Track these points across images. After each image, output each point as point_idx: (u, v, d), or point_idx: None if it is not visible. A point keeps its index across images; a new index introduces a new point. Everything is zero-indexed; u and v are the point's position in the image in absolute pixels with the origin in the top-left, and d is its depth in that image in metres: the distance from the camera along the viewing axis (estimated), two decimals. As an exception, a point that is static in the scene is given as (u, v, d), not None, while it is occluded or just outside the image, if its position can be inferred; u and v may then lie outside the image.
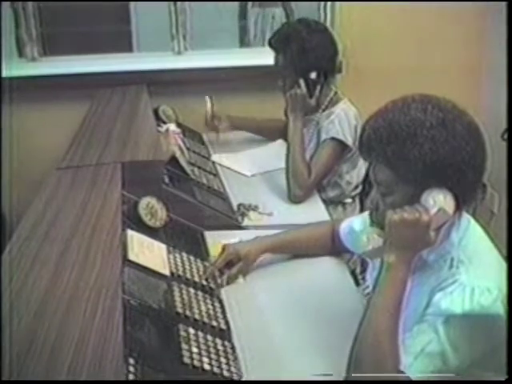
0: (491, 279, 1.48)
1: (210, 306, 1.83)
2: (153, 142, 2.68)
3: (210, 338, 1.68)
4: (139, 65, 3.73)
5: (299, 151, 2.73)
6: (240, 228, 2.46)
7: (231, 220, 2.49)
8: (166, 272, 1.86)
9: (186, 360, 1.54)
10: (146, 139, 2.73)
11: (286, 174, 2.72)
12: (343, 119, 2.79)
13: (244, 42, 4.57)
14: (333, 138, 2.76)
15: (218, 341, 1.69)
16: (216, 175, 2.91)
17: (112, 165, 2.41)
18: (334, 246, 2.13)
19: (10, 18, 3.64)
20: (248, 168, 3.00)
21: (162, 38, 3.89)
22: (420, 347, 1.47)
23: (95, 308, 1.56)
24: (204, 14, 4.19)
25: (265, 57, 2.89)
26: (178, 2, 3.72)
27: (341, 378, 1.55)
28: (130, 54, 4.23)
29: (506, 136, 3.19)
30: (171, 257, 1.97)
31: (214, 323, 1.76)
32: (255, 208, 2.58)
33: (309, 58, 2.75)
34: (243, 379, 1.60)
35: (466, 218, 1.60)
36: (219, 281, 1.97)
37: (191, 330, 1.66)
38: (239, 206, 2.59)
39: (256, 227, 2.48)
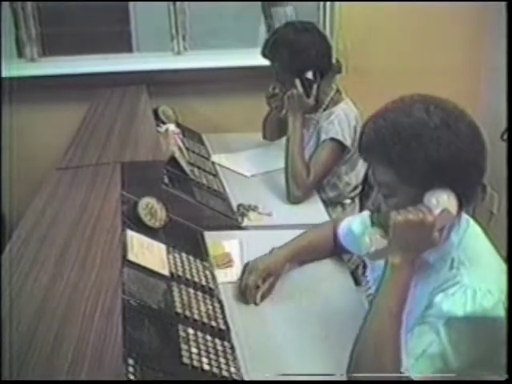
0: (492, 281, 1.48)
1: (210, 307, 1.83)
2: (152, 142, 2.68)
3: (209, 338, 1.68)
4: (139, 65, 3.74)
5: (298, 152, 2.73)
6: (239, 228, 2.47)
7: (231, 220, 2.49)
8: (166, 272, 1.86)
9: (186, 360, 1.54)
10: (146, 139, 2.73)
11: (286, 174, 2.72)
12: (343, 120, 2.79)
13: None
14: (332, 139, 2.77)
15: (218, 341, 1.69)
16: (215, 175, 2.92)
17: (111, 165, 2.41)
18: (335, 247, 2.13)
19: (9, 18, 3.64)
20: (247, 168, 3.01)
21: (162, 39, 3.89)
22: (421, 349, 1.47)
23: (95, 308, 1.56)
24: (204, 14, 4.18)
25: (261, 58, 2.88)
26: (178, 2, 3.72)
27: (341, 379, 1.55)
28: (129, 55, 4.24)
29: (505, 136, 3.19)
30: (171, 257, 1.97)
31: (214, 323, 1.76)
32: (255, 208, 2.59)
33: (301, 58, 2.76)
34: (243, 379, 1.60)
35: (465, 218, 1.60)
36: (255, 298, 1.95)
37: (191, 331, 1.66)
38: (239, 206, 2.60)
39: (255, 227, 2.48)
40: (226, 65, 3.68)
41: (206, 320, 1.75)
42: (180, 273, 1.92)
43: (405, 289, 1.50)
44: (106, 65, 3.71)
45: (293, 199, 2.70)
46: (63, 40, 4.21)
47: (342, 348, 1.58)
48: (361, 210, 2.95)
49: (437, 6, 3.55)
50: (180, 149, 2.75)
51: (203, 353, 1.60)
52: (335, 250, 2.13)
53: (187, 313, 1.73)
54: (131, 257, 1.81)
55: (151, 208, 2.08)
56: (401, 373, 1.46)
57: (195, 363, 1.55)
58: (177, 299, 1.77)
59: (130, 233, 1.93)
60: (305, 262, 2.12)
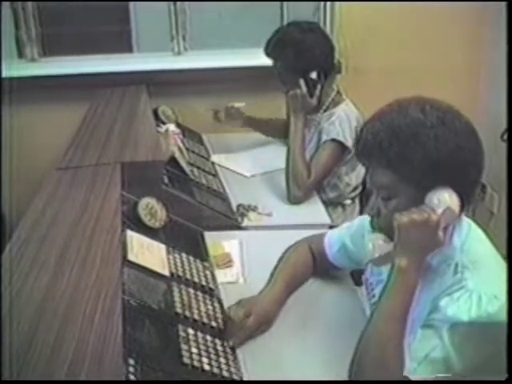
0: (497, 285, 1.47)
1: (210, 307, 1.83)
2: (152, 142, 2.68)
3: (209, 338, 1.68)
4: (139, 65, 3.74)
5: (299, 152, 2.73)
6: (239, 228, 2.47)
7: (231, 220, 2.50)
8: (166, 272, 1.87)
9: (186, 360, 1.54)
10: (146, 140, 2.73)
11: (286, 174, 2.72)
12: (344, 120, 2.79)
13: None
14: (333, 140, 2.76)
15: (218, 341, 1.69)
16: (215, 176, 2.92)
17: (111, 165, 2.41)
18: (315, 268, 2.06)
19: (9, 18, 3.64)
20: (247, 168, 3.01)
21: (162, 39, 3.89)
22: (424, 353, 1.47)
23: (95, 308, 1.56)
24: (204, 14, 4.18)
25: (265, 57, 2.88)
26: (178, 2, 3.72)
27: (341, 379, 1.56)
28: (129, 55, 4.24)
29: (505, 137, 3.20)
30: (171, 257, 1.97)
31: (214, 323, 1.76)
32: (255, 208, 2.59)
33: (306, 58, 2.75)
34: (242, 379, 1.60)
35: (467, 222, 1.60)
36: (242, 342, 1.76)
37: (191, 331, 1.66)
38: (239, 206, 2.60)
39: (255, 227, 2.48)
40: (227, 65, 3.69)
41: (206, 320, 1.76)
42: (180, 273, 1.92)
43: (411, 292, 1.49)
44: (106, 65, 3.71)
45: (293, 199, 2.70)
46: (63, 40, 4.21)
47: (342, 348, 1.58)
48: (361, 210, 2.96)
49: (436, 5, 3.55)
50: (180, 149, 2.75)
51: (203, 353, 1.61)
52: (316, 270, 2.06)
53: (187, 313, 1.73)
54: (131, 257, 1.81)
55: (151, 208, 2.09)
56: (404, 377, 1.45)
57: (195, 363, 1.55)
58: (177, 299, 1.77)
59: (129, 233, 1.93)
60: (295, 290, 2.00)
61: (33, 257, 1.81)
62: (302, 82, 2.77)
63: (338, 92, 2.92)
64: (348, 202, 3.00)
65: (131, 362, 1.40)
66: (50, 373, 1.36)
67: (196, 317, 1.74)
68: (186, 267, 1.98)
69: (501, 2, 3.28)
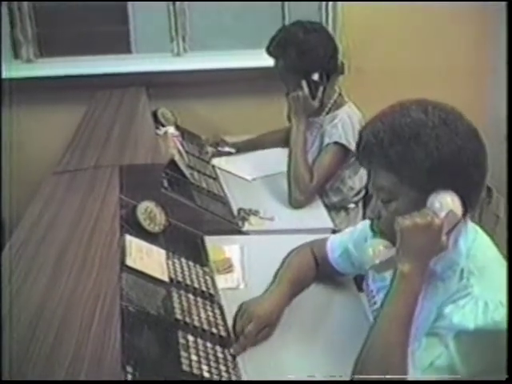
0: (504, 292, 1.46)
1: (210, 313, 1.83)
2: (151, 145, 2.69)
3: (209, 345, 1.68)
4: (138, 66, 3.75)
5: (301, 155, 2.73)
6: (240, 233, 2.47)
7: (231, 225, 2.50)
8: (165, 278, 1.87)
9: (185, 367, 1.54)
10: (145, 142, 2.73)
11: (288, 178, 2.72)
12: (347, 123, 2.79)
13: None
14: (336, 143, 2.76)
15: (218, 348, 1.69)
16: (216, 179, 2.92)
17: (110, 168, 2.42)
18: (318, 272, 2.05)
19: (4, 18, 3.64)
20: (248, 172, 3.01)
21: (161, 39, 3.89)
22: (429, 361, 1.47)
23: (93, 314, 1.56)
24: (204, 14, 4.18)
25: (266, 58, 2.87)
26: (177, 3, 3.73)
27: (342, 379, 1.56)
28: (128, 56, 4.25)
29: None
30: (170, 262, 1.97)
31: (214, 330, 1.76)
32: (256, 213, 2.59)
33: (309, 58, 2.75)
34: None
35: (473, 227, 1.60)
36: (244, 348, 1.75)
37: (190, 337, 1.66)
38: (239, 210, 2.60)
39: (257, 232, 2.49)
40: (227, 66, 3.69)
41: (206, 327, 1.75)
42: (180, 278, 1.92)
43: (414, 298, 1.48)
44: (104, 66, 3.72)
45: (295, 204, 2.70)
46: (60, 40, 4.20)
47: (343, 355, 1.58)
48: (364, 214, 2.96)
49: (439, 6, 3.56)
50: (179, 152, 2.75)
51: (203, 360, 1.61)
52: (319, 274, 2.05)
53: (187, 319, 1.73)
54: (130, 262, 1.81)
55: (150, 212, 2.09)
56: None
57: (195, 371, 1.55)
58: (176, 305, 1.77)
59: (128, 237, 1.93)
60: (296, 295, 1.98)
61: (30, 261, 1.82)
62: (304, 83, 2.77)
63: (340, 94, 2.92)
64: (351, 206, 3.00)
65: (129, 369, 1.40)
66: (47, 379, 1.37)
67: (196, 323, 1.74)
68: (186, 272, 1.98)
69: (501, 3, 3.28)
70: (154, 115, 3.16)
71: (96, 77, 3.63)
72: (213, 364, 1.62)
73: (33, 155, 3.57)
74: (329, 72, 2.81)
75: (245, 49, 3.89)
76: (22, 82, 3.55)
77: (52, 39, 4.00)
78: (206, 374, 1.56)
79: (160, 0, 3.77)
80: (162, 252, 2.00)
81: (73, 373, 1.37)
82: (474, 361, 1.46)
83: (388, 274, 1.61)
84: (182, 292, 1.85)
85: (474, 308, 1.44)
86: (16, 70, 3.63)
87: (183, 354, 1.58)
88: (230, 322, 1.82)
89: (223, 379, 1.59)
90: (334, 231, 2.47)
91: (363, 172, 2.88)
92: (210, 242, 2.28)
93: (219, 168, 3.07)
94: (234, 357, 1.69)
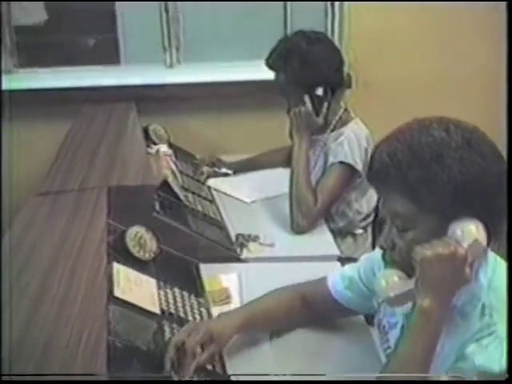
0: None
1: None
2: (142, 164, 2.69)
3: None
4: (127, 79, 3.76)
5: (304, 176, 2.74)
6: (239, 260, 2.47)
7: (229, 251, 2.49)
8: (156, 310, 1.87)
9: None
10: (135, 162, 2.74)
11: (290, 200, 2.73)
12: (353, 141, 2.79)
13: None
14: (341, 162, 2.77)
15: (214, 387, 1.69)
16: (212, 201, 2.92)
17: (97, 190, 2.42)
18: (305, 313, 2.02)
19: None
20: (247, 194, 3.02)
21: (153, 49, 3.90)
22: None
23: (76, 349, 1.56)
24: (199, 22, 4.19)
25: (267, 70, 2.88)
26: (171, 9, 3.74)
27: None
28: (116, 67, 4.24)
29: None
30: (162, 293, 1.98)
31: (209, 367, 1.76)
32: (255, 238, 2.59)
33: (312, 71, 2.75)
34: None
35: (493, 256, 1.58)
36: (188, 370, 1.67)
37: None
38: (238, 235, 2.60)
39: (256, 259, 2.48)
40: (224, 79, 3.71)
41: (200, 363, 1.75)
42: (172, 310, 1.92)
43: (435, 336, 1.46)
44: (90, 78, 3.74)
45: (298, 228, 2.70)
46: (41, 50, 4.21)
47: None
48: (373, 240, 2.96)
49: (455, 14, 3.58)
50: (173, 172, 2.76)
51: (197, 399, 1.61)
52: (309, 316, 2.01)
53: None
54: (117, 292, 1.81)
55: (140, 238, 2.09)
56: None
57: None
58: (168, 340, 1.76)
59: (116, 266, 1.93)
60: (263, 330, 1.97)
61: (8, 291, 1.81)
62: (306, 98, 2.78)
63: (346, 109, 2.93)
64: (359, 231, 3.00)
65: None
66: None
67: (190, 359, 1.74)
68: (179, 304, 1.98)
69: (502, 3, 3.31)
70: (145, 132, 3.17)
71: (81, 90, 3.64)
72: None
73: (12, 176, 3.56)
74: (334, 86, 2.82)
75: (244, 60, 3.89)
76: None
77: (33, 48, 4.00)
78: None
79: (151, 0, 3.77)
80: (153, 281, 2.00)
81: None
82: None
83: (400, 309, 1.61)
84: (175, 325, 1.85)
85: (499, 348, 1.43)
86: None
87: (176, 392, 1.59)
88: (226, 359, 1.82)
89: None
90: (340, 259, 2.47)
91: (371, 194, 2.88)
92: (206, 270, 2.29)
93: (216, 189, 3.07)
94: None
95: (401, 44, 3.71)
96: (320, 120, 2.80)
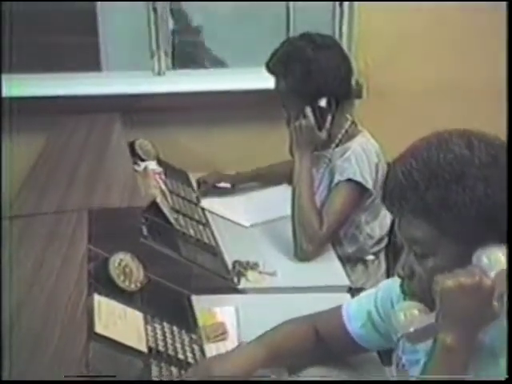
0: None
1: (198, 391, 1.83)
2: (128, 183, 2.69)
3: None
4: (110, 88, 3.76)
5: (308, 196, 2.74)
6: (236, 291, 2.48)
7: (225, 281, 2.50)
8: (143, 347, 1.86)
9: None
10: (120, 180, 2.73)
11: (293, 224, 2.73)
12: (361, 156, 2.79)
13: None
14: (349, 180, 2.76)
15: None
16: (206, 225, 2.93)
17: (76, 213, 2.41)
18: (321, 347, 2.01)
19: None
20: (246, 216, 3.03)
21: (139, 54, 3.91)
22: None
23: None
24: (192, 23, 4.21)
25: (267, 78, 2.88)
26: (159, 9, 3.72)
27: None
28: (97, 74, 4.25)
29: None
30: (149, 328, 1.97)
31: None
32: (254, 266, 2.59)
33: (316, 80, 2.75)
34: None
35: None
36: None
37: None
38: (235, 263, 2.61)
39: (256, 290, 2.49)
40: (220, 88, 3.71)
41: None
42: (161, 348, 1.92)
43: (459, 375, 1.45)
44: (68, 86, 3.72)
45: (302, 255, 2.70)
46: (15, 54, 4.21)
47: None
48: (388, 268, 2.95)
49: (479, 16, 3.58)
50: (162, 192, 2.76)
51: None
52: (324, 352, 2.00)
53: (170, 398, 1.73)
54: (99, 328, 1.80)
55: (125, 266, 2.09)
56: None
57: None
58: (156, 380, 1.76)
59: (97, 298, 1.92)
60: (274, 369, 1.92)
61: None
62: (308, 110, 2.78)
63: (353, 122, 2.94)
64: (370, 257, 3.00)
65: None
66: None
67: (180, 403, 1.74)
68: (169, 340, 1.98)
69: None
70: (131, 147, 3.18)
71: (59, 99, 3.63)
72: None
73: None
74: (339, 97, 2.82)
75: (241, 67, 3.91)
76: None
77: (3, 52, 4.00)
78: None
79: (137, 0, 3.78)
80: (140, 315, 2.00)
81: None
82: None
83: (421, 345, 1.60)
84: (163, 365, 1.85)
85: None
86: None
87: None
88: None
89: None
90: (350, 289, 2.47)
91: (384, 216, 2.88)
92: (199, 302, 2.29)
93: (210, 211, 3.08)
94: None
95: (417, 48, 3.72)
96: (323, 134, 2.80)
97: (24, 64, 3.97)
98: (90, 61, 4.67)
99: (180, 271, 2.41)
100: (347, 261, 2.89)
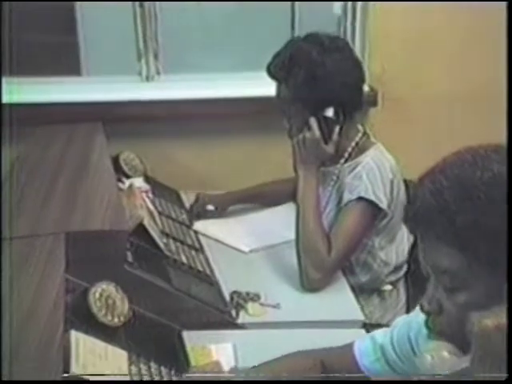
0: None
1: None
2: (111, 203, 2.68)
3: None
4: (91, 94, 3.77)
5: (314, 218, 2.74)
6: (234, 326, 2.48)
7: (222, 315, 2.50)
8: (127, 391, 1.86)
9: None
10: (102, 200, 2.73)
11: (297, 249, 2.73)
12: (374, 172, 2.77)
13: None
14: (360, 199, 2.75)
15: None
16: (200, 250, 2.93)
17: (52, 237, 2.40)
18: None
19: None
20: (245, 240, 3.03)
21: (124, 57, 3.92)
22: None
23: None
24: (184, 23, 4.22)
25: (269, 84, 2.87)
26: (147, 5, 3.74)
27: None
28: (77, 79, 4.26)
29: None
30: (134, 369, 1.97)
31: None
32: (255, 298, 2.59)
33: (322, 87, 2.74)
34: None
35: None
36: None
37: None
38: (233, 294, 2.61)
39: (257, 325, 2.49)
40: (215, 95, 3.72)
41: None
42: (147, 391, 1.91)
43: None
44: (43, 93, 3.74)
45: (309, 285, 2.70)
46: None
47: None
48: (408, 300, 2.94)
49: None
50: (150, 213, 2.76)
51: None
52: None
53: None
54: (76, 369, 1.79)
55: (107, 298, 2.08)
56: None
57: None
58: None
59: (75, 334, 1.91)
60: None
61: None
62: (313, 121, 2.76)
63: (365, 133, 2.93)
64: (387, 287, 2.99)
65: None
66: None
67: None
68: (157, 383, 1.97)
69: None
70: (115, 162, 3.18)
71: (33, 107, 3.63)
72: None
73: None
74: (349, 107, 2.81)
75: (239, 71, 3.92)
76: None
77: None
78: None
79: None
80: (123, 354, 1.99)
81: None
82: None
83: None
84: (151, 411, 1.84)
85: None
86: None
87: None
88: None
89: None
90: (364, 325, 2.46)
91: (401, 239, 2.87)
92: (191, 339, 2.28)
93: (205, 235, 3.08)
94: None
95: (439, 51, 3.72)
96: (330, 148, 2.78)
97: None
98: (67, 63, 4.68)
99: (170, 303, 2.41)
100: (360, 291, 2.87)
